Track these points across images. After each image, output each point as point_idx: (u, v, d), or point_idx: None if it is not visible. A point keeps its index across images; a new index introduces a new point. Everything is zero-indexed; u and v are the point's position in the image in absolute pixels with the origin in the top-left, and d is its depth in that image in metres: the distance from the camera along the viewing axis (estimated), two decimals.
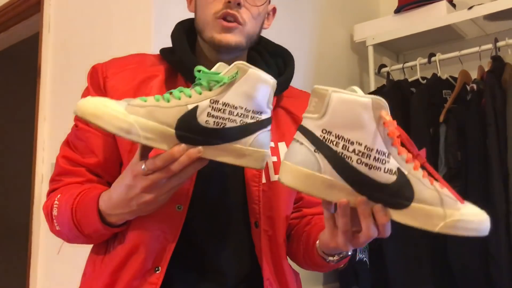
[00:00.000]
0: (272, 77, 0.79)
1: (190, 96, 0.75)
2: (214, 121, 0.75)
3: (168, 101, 0.75)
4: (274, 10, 1.08)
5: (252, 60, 1.07)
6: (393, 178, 0.70)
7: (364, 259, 1.84)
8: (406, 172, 0.71)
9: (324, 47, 2.19)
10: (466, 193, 1.68)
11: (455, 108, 1.87)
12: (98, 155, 0.94)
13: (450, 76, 2.02)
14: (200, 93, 0.75)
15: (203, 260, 0.92)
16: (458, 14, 2.03)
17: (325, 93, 0.72)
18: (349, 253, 0.90)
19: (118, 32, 1.63)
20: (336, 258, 0.91)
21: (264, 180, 0.95)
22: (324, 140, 0.72)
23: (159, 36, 1.47)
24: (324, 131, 0.72)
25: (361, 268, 1.82)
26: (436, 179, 0.73)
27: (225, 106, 0.76)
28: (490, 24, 2.08)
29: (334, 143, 0.71)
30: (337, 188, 0.72)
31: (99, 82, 0.96)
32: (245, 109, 0.77)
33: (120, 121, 0.71)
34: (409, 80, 2.07)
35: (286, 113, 1.05)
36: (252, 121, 0.78)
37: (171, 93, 0.76)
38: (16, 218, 2.79)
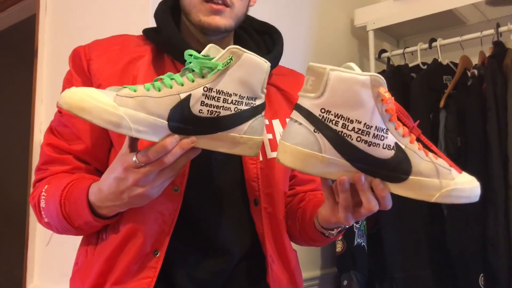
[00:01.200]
0: (267, 61, 0.77)
1: (182, 84, 0.72)
2: (208, 110, 0.73)
3: (159, 90, 0.71)
4: None
5: (240, 38, 1.05)
6: (391, 153, 0.72)
7: (362, 244, 1.84)
8: (403, 147, 0.73)
9: (324, 31, 2.17)
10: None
11: (456, 93, 1.86)
12: (85, 141, 0.92)
13: (451, 62, 2.00)
14: (193, 81, 0.72)
15: (203, 240, 0.91)
16: None
17: (323, 72, 0.71)
18: (347, 226, 0.91)
19: (115, 13, 1.61)
20: (335, 231, 0.92)
21: (260, 158, 0.95)
22: (323, 119, 0.72)
23: None
24: (323, 110, 0.72)
25: (359, 253, 1.83)
26: (431, 151, 0.75)
27: (220, 94, 0.73)
28: (492, 9, 2.06)
29: (334, 122, 0.71)
30: (336, 166, 0.73)
31: (83, 65, 0.93)
32: (240, 95, 0.75)
33: (109, 114, 0.67)
34: (410, 65, 2.05)
35: (277, 90, 1.04)
36: (247, 107, 0.76)
37: (161, 80, 0.73)
38: (15, 201, 2.78)
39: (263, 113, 0.80)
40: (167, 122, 0.71)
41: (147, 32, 1.00)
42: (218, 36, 0.97)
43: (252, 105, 0.77)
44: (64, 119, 0.93)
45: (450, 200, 0.72)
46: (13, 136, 3.01)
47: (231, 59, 0.73)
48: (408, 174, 0.72)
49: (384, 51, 2.21)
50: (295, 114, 0.74)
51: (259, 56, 0.76)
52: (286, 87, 1.06)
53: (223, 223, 0.93)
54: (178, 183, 0.88)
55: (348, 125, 0.71)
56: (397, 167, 0.72)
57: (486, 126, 1.69)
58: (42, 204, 0.87)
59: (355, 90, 0.70)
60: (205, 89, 0.72)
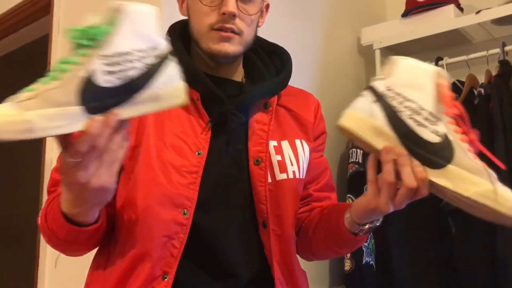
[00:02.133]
0: (152, 6, 0.73)
1: (78, 63, 0.67)
2: (116, 77, 0.68)
3: (58, 78, 0.66)
4: (267, 6, 1.06)
5: (248, 59, 1.07)
6: (437, 138, 0.76)
7: (371, 262, 1.84)
8: (451, 138, 0.76)
9: (331, 50, 2.20)
10: None
11: None
12: None
13: (458, 80, 2.02)
14: (86, 55, 0.67)
15: (212, 263, 0.92)
16: (465, 18, 2.03)
17: (396, 60, 0.80)
18: (378, 224, 0.92)
19: None
20: (367, 227, 0.91)
21: (269, 180, 0.95)
22: (384, 95, 0.79)
23: None
24: (387, 88, 0.79)
25: (368, 271, 1.83)
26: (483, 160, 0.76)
27: (119, 56, 0.68)
28: (498, 28, 2.08)
29: (392, 98, 0.78)
30: (383, 136, 0.78)
31: None
32: (140, 49, 0.70)
33: (16, 123, 0.62)
34: None
35: (286, 111, 1.05)
36: (153, 59, 0.72)
37: (55, 68, 0.68)
38: (25, 222, 2.80)
39: (172, 58, 0.76)
40: (81, 107, 0.66)
41: None
42: (227, 61, 0.99)
43: (158, 53, 0.73)
44: None
45: (485, 201, 0.72)
46: (24, 156, 3.04)
47: (116, 17, 0.68)
48: (448, 162, 0.75)
49: None
50: (364, 91, 0.82)
51: (141, 4, 0.71)
52: (295, 107, 1.07)
53: (232, 246, 0.94)
54: (188, 206, 0.89)
55: (404, 103, 0.78)
56: (439, 152, 0.75)
57: (493, 145, 1.69)
58: (39, 221, 0.89)
59: (419, 75, 0.78)
60: (103, 58, 0.67)
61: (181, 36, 1.02)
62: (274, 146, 0.98)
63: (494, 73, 1.88)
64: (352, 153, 2.00)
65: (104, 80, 0.68)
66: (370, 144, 0.79)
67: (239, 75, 1.06)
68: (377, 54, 2.24)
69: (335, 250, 1.01)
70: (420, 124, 0.76)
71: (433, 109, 0.77)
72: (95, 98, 0.67)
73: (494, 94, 1.74)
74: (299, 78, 2.04)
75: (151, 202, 0.88)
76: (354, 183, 1.97)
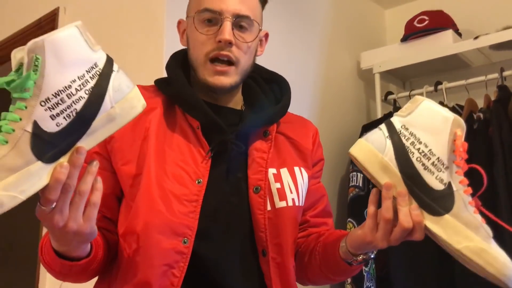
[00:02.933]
0: (77, 23, 0.67)
1: (19, 120, 0.63)
2: (64, 116, 0.64)
3: (6, 142, 0.62)
4: (266, 35, 1.07)
5: (248, 87, 1.07)
6: (441, 186, 0.77)
7: (371, 287, 1.83)
8: (455, 189, 0.77)
9: (332, 73, 2.22)
10: None
11: None
12: None
13: (457, 104, 2.03)
14: (26, 107, 0.63)
15: None
16: (464, 43, 2.05)
17: (418, 100, 0.82)
18: (372, 256, 0.92)
19: (130, 61, 1.66)
20: (360, 258, 0.91)
21: (269, 207, 0.96)
22: (399, 132, 0.80)
23: None
24: (403, 127, 0.80)
25: None
26: (484, 216, 0.78)
27: (59, 94, 0.64)
28: (496, 53, 2.11)
29: (406, 137, 0.80)
30: (389, 172, 0.79)
31: None
32: (78, 76, 0.65)
33: None
34: None
35: (285, 138, 1.06)
36: (95, 79, 0.67)
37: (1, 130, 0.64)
38: (27, 243, 2.80)
39: (115, 67, 0.71)
40: (40, 161, 0.63)
41: (159, 83, 1.02)
42: (224, 92, 1.00)
43: (97, 72, 0.67)
44: None
45: (476, 259, 0.73)
46: None
47: (37, 59, 0.62)
48: (447, 211, 0.76)
49: (390, 93, 2.26)
50: (382, 125, 0.83)
51: (63, 27, 0.65)
52: (294, 135, 1.07)
53: (232, 274, 0.94)
54: (188, 235, 0.89)
55: (416, 144, 0.79)
56: (439, 199, 0.76)
57: (493, 169, 1.70)
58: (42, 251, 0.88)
59: (437, 120, 0.79)
60: (42, 103, 0.63)
61: (182, 64, 1.03)
62: (274, 174, 0.98)
63: (492, 97, 1.89)
64: (352, 177, 2.01)
65: (53, 125, 0.64)
66: (375, 178, 0.81)
67: (238, 103, 1.06)
68: (377, 78, 2.26)
69: (330, 277, 1.02)
70: (427, 169, 0.77)
71: (443, 156, 0.77)
72: (51, 146, 0.64)
73: (493, 120, 1.76)
74: (300, 102, 2.07)
75: (152, 231, 0.88)
76: (354, 207, 1.97)
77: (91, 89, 0.66)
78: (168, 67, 1.03)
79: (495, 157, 1.70)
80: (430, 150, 0.78)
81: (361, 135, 2.18)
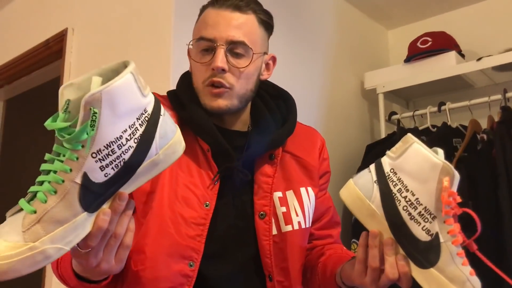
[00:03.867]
0: (130, 68, 0.66)
1: (70, 171, 0.62)
2: (113, 166, 0.64)
3: (55, 192, 0.62)
4: (273, 59, 1.07)
5: (255, 107, 1.08)
6: (427, 238, 0.75)
7: None
8: (442, 240, 0.74)
9: (336, 94, 2.24)
10: (478, 244, 1.67)
11: (466, 157, 1.89)
12: None
13: (460, 125, 2.04)
14: (77, 158, 0.62)
15: None
16: (467, 65, 2.07)
17: (409, 141, 0.79)
18: None
19: None
20: None
21: (275, 232, 0.96)
22: (387, 176, 0.79)
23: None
24: (392, 170, 0.79)
25: None
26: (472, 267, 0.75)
27: (110, 146, 0.63)
28: (499, 74, 2.12)
29: (394, 183, 0.78)
30: (376, 220, 0.78)
31: None
32: (129, 125, 0.65)
33: (31, 258, 0.60)
34: (420, 128, 2.10)
35: (292, 157, 1.05)
36: (144, 126, 0.66)
37: (48, 172, 0.64)
38: None
39: (162, 112, 0.71)
40: (86, 212, 0.63)
41: (173, 103, 1.02)
42: (225, 114, 1.00)
43: (146, 118, 0.67)
44: None
45: None
46: (32, 183, 3.06)
47: (94, 113, 0.61)
48: (432, 265, 0.74)
49: (394, 113, 2.27)
50: (372, 165, 0.82)
51: (118, 76, 0.64)
52: (300, 152, 1.07)
53: None
54: (194, 258, 0.89)
55: (403, 192, 0.77)
56: (425, 252, 0.74)
57: (497, 191, 1.70)
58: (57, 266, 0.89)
59: (425, 167, 0.76)
60: (94, 155, 0.62)
61: (189, 86, 1.04)
62: (279, 198, 0.98)
63: (496, 118, 1.90)
64: None
65: (102, 176, 0.63)
66: (363, 223, 0.81)
67: (245, 125, 1.07)
68: (381, 98, 2.28)
69: None
70: (413, 219, 0.76)
71: (430, 205, 0.75)
72: (97, 196, 0.64)
73: (497, 141, 1.76)
74: (304, 121, 2.06)
75: (160, 252, 0.89)
76: (358, 228, 1.96)
77: (139, 137, 0.66)
78: (179, 89, 1.04)
79: (499, 178, 1.70)
80: (417, 199, 0.76)
81: (365, 155, 2.19)
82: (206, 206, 0.93)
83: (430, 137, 1.99)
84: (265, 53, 1.02)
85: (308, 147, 1.09)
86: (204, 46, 0.96)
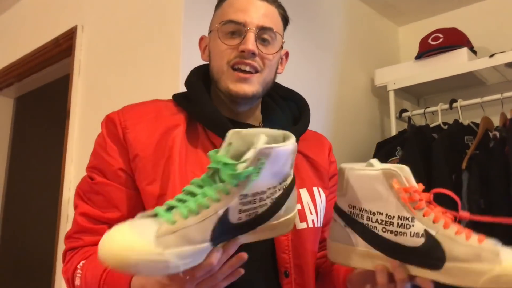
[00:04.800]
0: (293, 140, 0.75)
1: (218, 200, 0.68)
2: (247, 214, 0.70)
3: (197, 213, 0.67)
4: (287, 54, 1.08)
5: (267, 106, 1.07)
6: (421, 240, 0.72)
7: None
8: (434, 233, 0.72)
9: (346, 91, 2.22)
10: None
11: (478, 155, 1.87)
12: (121, 209, 0.91)
13: (472, 122, 2.02)
14: (228, 193, 0.68)
15: None
16: (479, 61, 2.05)
17: (342, 171, 0.79)
18: None
19: (146, 78, 1.68)
20: None
21: None
22: (350, 214, 0.77)
23: None
24: (350, 206, 0.78)
25: None
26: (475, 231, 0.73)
27: (255, 195, 0.70)
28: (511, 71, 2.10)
29: (360, 216, 0.77)
30: (372, 257, 0.76)
31: (118, 133, 0.94)
32: (273, 185, 0.73)
33: (156, 262, 0.63)
34: (431, 125, 2.07)
35: (303, 157, 1.05)
36: (280, 192, 0.74)
37: (193, 194, 0.69)
38: (41, 258, 2.82)
39: (294, 188, 0.78)
40: (210, 243, 0.67)
41: (179, 100, 1.01)
42: (247, 104, 0.99)
43: (284, 186, 0.74)
44: (98, 187, 0.93)
45: (501, 286, 0.67)
46: (42, 190, 3.08)
47: (262, 163, 0.68)
48: (443, 261, 0.71)
49: (405, 110, 2.25)
50: (334, 214, 0.81)
51: (287, 142, 0.73)
52: (311, 153, 1.07)
53: None
54: None
55: (372, 218, 0.75)
56: (429, 254, 0.72)
57: (510, 189, 1.68)
58: (77, 282, 0.87)
59: (370, 184, 0.75)
60: (241, 197, 0.69)
61: (203, 80, 1.03)
62: None
63: (508, 115, 1.88)
64: None
65: (236, 218, 0.69)
66: (363, 268, 0.79)
67: (257, 119, 1.06)
68: (391, 95, 2.26)
69: None
70: (397, 233, 0.74)
71: (401, 211, 0.73)
72: (223, 233, 0.69)
73: (509, 138, 1.74)
74: (314, 119, 2.05)
75: None
76: None
77: (274, 200, 0.73)
78: (189, 83, 1.02)
79: (511, 176, 1.68)
80: (386, 214, 0.74)
81: (375, 153, 2.17)
82: None
83: (442, 135, 1.97)
84: (282, 47, 1.02)
85: (318, 150, 1.10)
86: (232, 28, 0.94)
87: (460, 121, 2.01)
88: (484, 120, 1.96)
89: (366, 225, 0.76)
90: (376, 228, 0.75)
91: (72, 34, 2.07)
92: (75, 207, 0.96)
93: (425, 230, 0.72)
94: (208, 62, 1.03)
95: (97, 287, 0.83)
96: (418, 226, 0.73)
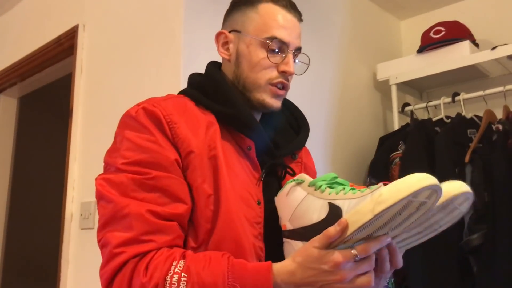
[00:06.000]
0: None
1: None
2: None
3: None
4: None
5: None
6: (324, 214, 0.81)
7: None
8: (332, 201, 0.81)
9: (348, 85, 2.22)
10: (494, 235, 1.66)
11: (481, 148, 1.86)
12: (186, 202, 0.86)
13: (475, 115, 2.01)
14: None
15: None
16: (481, 54, 2.04)
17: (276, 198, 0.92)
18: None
19: (148, 76, 1.69)
20: None
21: None
22: (295, 232, 0.88)
23: None
24: (293, 226, 0.87)
25: None
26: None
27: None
28: None
29: (302, 234, 0.85)
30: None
31: (164, 127, 0.89)
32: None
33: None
34: (433, 119, 2.07)
35: (301, 164, 1.08)
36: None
37: None
38: (45, 257, 2.83)
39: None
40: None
41: (200, 99, 0.99)
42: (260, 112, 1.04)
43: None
44: (154, 181, 0.85)
45: (387, 203, 0.71)
46: (46, 192, 3.10)
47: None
48: (341, 216, 0.78)
49: (407, 104, 2.24)
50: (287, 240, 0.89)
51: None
52: (305, 159, 1.10)
53: None
54: (262, 257, 0.91)
55: (309, 228, 0.84)
56: (333, 220, 0.78)
57: None
58: (182, 286, 0.77)
59: (294, 200, 0.87)
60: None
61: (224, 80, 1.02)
62: None
63: (511, 108, 1.87)
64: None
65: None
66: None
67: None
68: (393, 89, 2.25)
69: None
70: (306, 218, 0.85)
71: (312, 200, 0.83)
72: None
73: None
74: (316, 113, 2.07)
75: (238, 255, 0.85)
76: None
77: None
78: (216, 82, 1.00)
79: None
80: (316, 219, 0.82)
81: (378, 148, 2.18)
82: (258, 204, 0.93)
83: (444, 128, 1.96)
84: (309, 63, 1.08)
85: (306, 155, 1.14)
86: (276, 47, 0.97)
87: (463, 114, 2.00)
88: (487, 113, 1.95)
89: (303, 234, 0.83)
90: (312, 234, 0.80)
91: (73, 33, 2.08)
92: (123, 207, 0.83)
93: (328, 203, 0.80)
94: (225, 57, 1.02)
95: (226, 287, 0.77)
96: (321, 202, 0.81)
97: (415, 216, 0.75)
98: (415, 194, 0.71)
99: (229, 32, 1.02)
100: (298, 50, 1.01)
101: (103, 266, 0.83)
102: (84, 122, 1.95)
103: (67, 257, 1.86)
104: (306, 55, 1.04)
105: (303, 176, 0.88)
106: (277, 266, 0.79)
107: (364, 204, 0.74)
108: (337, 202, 0.80)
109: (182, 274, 0.78)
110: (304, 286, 0.77)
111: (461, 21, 2.20)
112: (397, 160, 2.00)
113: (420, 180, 0.71)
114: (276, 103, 1.00)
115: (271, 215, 0.93)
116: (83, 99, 1.99)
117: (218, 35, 1.04)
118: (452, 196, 0.79)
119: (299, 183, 0.87)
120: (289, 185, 0.89)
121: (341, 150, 2.07)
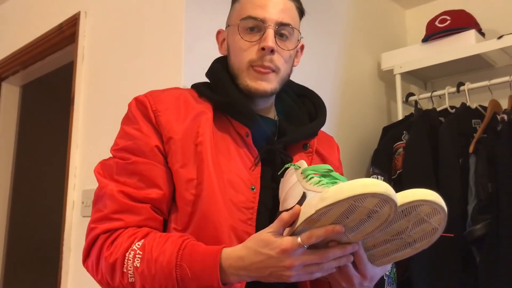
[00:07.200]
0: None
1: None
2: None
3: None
4: (302, 47, 1.10)
5: (281, 100, 1.09)
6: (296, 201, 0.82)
7: None
8: (305, 190, 0.82)
9: (352, 75, 2.20)
10: (497, 225, 1.65)
11: (485, 138, 1.84)
12: (162, 187, 0.91)
13: (480, 105, 1.99)
14: None
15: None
16: (487, 43, 2.01)
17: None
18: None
19: (149, 64, 1.67)
20: None
21: None
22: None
23: (189, 69, 1.50)
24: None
25: None
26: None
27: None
28: None
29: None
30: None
31: (150, 115, 0.95)
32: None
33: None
34: (438, 109, 2.05)
35: (317, 155, 1.08)
36: None
37: None
38: (47, 244, 2.84)
39: None
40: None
41: (201, 90, 1.03)
42: (264, 100, 1.02)
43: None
44: (134, 166, 0.91)
45: (329, 201, 0.70)
46: (48, 179, 3.10)
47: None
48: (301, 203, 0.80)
49: (411, 94, 2.22)
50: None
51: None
52: (324, 151, 1.10)
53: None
54: None
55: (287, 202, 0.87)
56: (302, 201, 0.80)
57: None
58: (136, 263, 0.82)
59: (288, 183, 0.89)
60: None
61: (224, 72, 1.04)
62: None
63: None
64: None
65: None
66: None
67: (272, 113, 1.09)
68: (398, 79, 2.23)
69: None
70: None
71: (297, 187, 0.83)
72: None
73: None
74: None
75: (221, 240, 0.87)
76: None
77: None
78: (214, 74, 1.04)
79: None
80: (293, 198, 0.83)
81: (381, 137, 2.17)
82: (252, 189, 0.94)
83: (449, 118, 1.95)
84: (299, 41, 1.04)
85: (329, 148, 1.13)
86: (252, 24, 0.97)
87: (468, 104, 1.98)
88: (492, 103, 1.93)
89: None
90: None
91: (75, 21, 2.06)
92: (103, 187, 0.92)
93: (303, 191, 0.80)
94: (225, 55, 1.05)
95: (174, 265, 0.80)
96: (300, 190, 0.82)
97: (372, 224, 0.72)
98: (356, 198, 0.67)
99: (225, 29, 1.06)
100: (282, 25, 0.97)
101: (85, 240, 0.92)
102: (86, 109, 1.95)
103: (69, 245, 1.86)
104: (297, 29, 1.01)
105: (301, 163, 0.88)
106: (228, 250, 0.80)
107: (313, 198, 0.74)
108: (308, 193, 0.79)
109: (138, 251, 0.83)
110: (253, 272, 0.77)
111: (467, 10, 2.17)
112: (400, 150, 1.99)
113: (364, 185, 0.67)
114: (262, 86, 0.97)
115: (265, 201, 0.94)
116: (84, 86, 1.98)
117: (217, 34, 1.08)
118: (410, 202, 0.74)
119: (296, 169, 0.88)
120: (288, 169, 0.90)
121: (344, 139, 2.06)
